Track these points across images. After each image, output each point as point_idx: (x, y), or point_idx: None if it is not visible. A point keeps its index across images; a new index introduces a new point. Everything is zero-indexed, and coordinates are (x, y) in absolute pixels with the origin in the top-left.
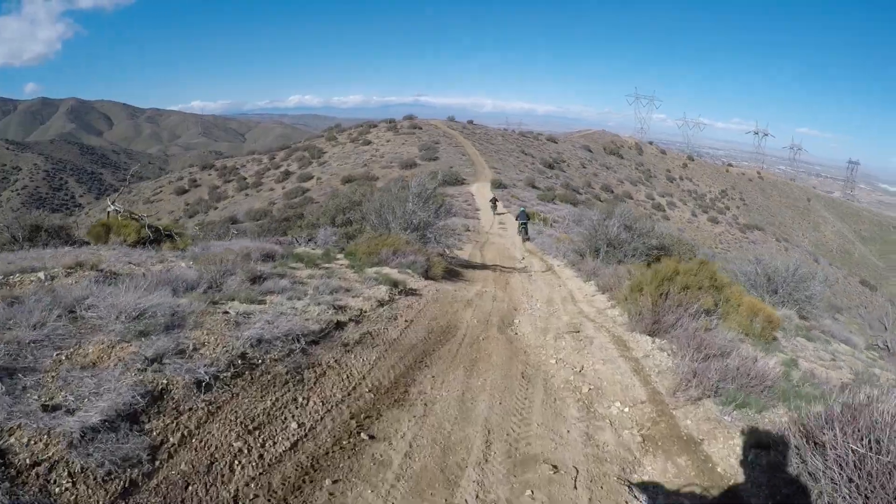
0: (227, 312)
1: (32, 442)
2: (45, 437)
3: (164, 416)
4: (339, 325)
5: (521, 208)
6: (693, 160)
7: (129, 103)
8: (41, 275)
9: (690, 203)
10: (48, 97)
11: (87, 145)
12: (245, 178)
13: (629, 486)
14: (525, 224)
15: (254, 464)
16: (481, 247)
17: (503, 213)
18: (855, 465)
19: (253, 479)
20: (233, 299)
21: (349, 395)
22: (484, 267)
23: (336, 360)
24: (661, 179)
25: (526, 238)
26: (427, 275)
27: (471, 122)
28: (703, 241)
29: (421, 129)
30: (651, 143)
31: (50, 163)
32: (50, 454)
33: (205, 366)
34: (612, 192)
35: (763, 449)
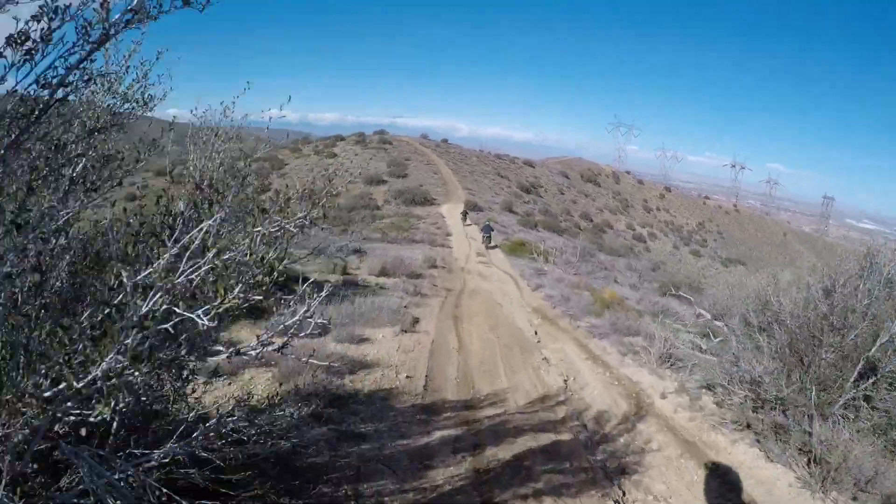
0: None
1: None
2: None
3: None
4: None
5: (487, 222)
6: (670, 191)
7: None
8: None
9: (671, 235)
10: None
11: None
12: None
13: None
14: (489, 235)
15: None
16: (455, 303)
17: (469, 225)
18: None
19: None
20: None
21: None
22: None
23: None
24: (638, 209)
25: (491, 246)
26: None
27: (445, 140)
28: (688, 275)
29: (391, 144)
30: (628, 172)
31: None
32: None
33: None
34: (592, 220)
35: None
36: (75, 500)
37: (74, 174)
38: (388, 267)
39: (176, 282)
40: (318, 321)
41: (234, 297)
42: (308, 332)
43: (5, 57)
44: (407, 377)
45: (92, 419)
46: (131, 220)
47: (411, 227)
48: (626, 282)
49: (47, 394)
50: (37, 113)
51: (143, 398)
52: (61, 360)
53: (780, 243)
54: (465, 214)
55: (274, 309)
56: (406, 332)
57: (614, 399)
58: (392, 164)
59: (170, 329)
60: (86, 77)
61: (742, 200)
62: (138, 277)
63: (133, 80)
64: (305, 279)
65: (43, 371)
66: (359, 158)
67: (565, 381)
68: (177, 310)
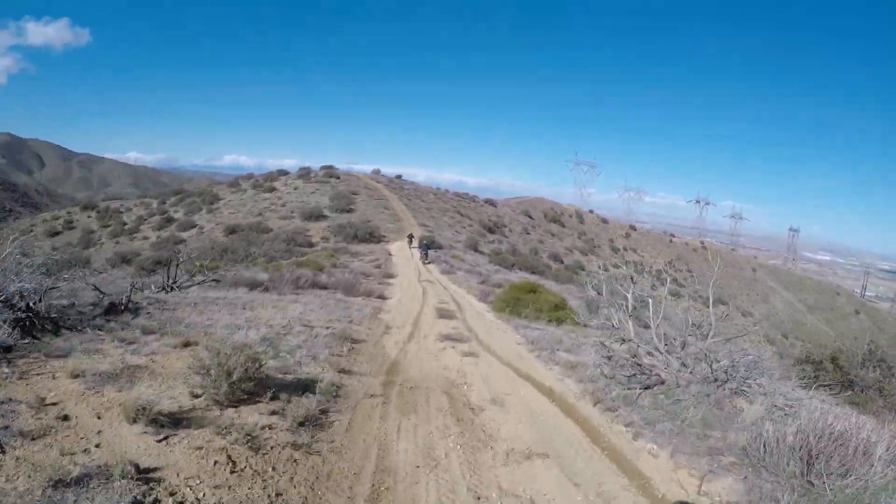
0: None
1: None
2: None
3: None
4: None
5: (424, 241)
6: (635, 230)
7: (64, 146)
8: None
9: (647, 275)
10: None
11: (9, 181)
12: (125, 223)
13: None
14: (426, 252)
15: None
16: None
17: (415, 248)
18: None
19: None
20: None
21: None
22: None
23: None
24: (605, 249)
25: (427, 262)
26: None
27: (399, 177)
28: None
29: (339, 178)
30: (591, 211)
31: None
32: None
33: None
34: (562, 261)
35: None
36: None
37: None
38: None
39: None
40: None
41: None
42: None
43: None
44: None
45: None
46: None
47: (337, 266)
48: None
49: None
50: None
51: None
52: None
53: (751, 279)
54: (410, 238)
55: None
56: None
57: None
58: (336, 199)
59: None
60: None
61: (704, 237)
62: None
63: None
64: None
65: None
66: (298, 192)
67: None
68: None
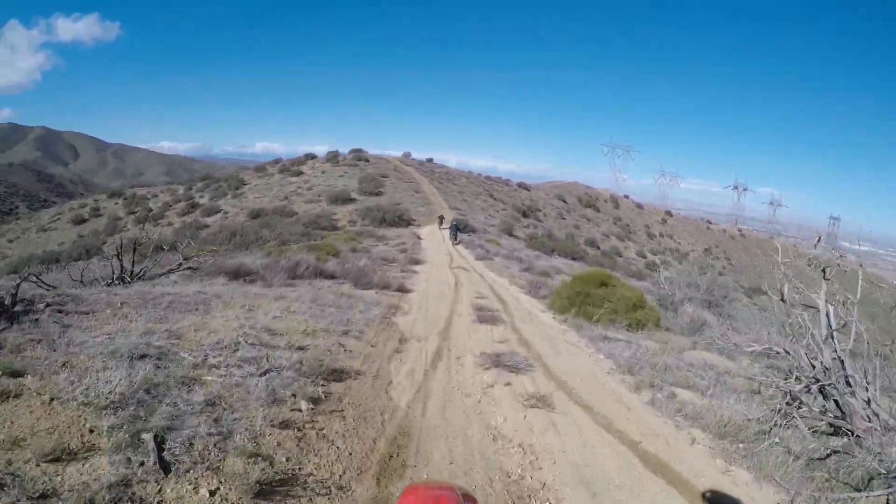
0: None
1: None
2: None
3: None
4: None
5: (454, 222)
6: (672, 215)
7: (98, 137)
8: None
9: (685, 263)
10: (19, 123)
11: (45, 173)
12: (151, 210)
13: None
14: (455, 233)
15: None
16: None
17: (445, 229)
18: None
19: None
20: None
21: None
22: None
23: None
24: (640, 235)
25: (456, 243)
26: None
27: (430, 160)
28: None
29: (367, 161)
30: (627, 196)
31: (3, 186)
32: None
33: None
34: (599, 247)
35: None
36: None
37: None
38: None
39: None
40: None
41: None
42: None
43: None
44: None
45: None
46: None
47: (357, 250)
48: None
49: None
50: None
51: None
52: None
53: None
54: (441, 220)
55: None
56: None
57: None
58: (364, 182)
59: None
60: None
61: (741, 223)
62: None
63: None
64: None
65: None
66: (326, 175)
67: None
68: None
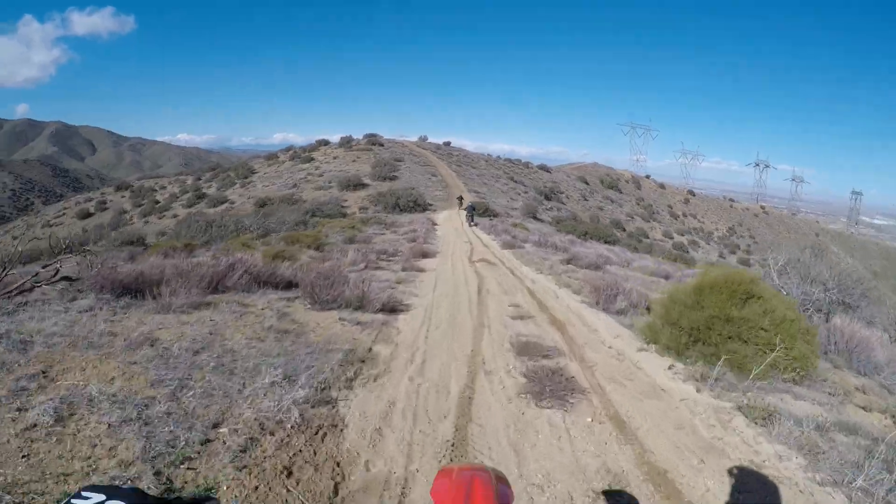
0: None
1: None
2: None
3: None
4: None
5: (470, 203)
6: (694, 195)
7: (115, 131)
8: None
9: (714, 243)
10: (35, 119)
11: (61, 168)
12: (157, 202)
13: None
14: (472, 214)
15: None
16: None
17: (475, 225)
18: None
19: None
20: None
21: None
22: None
23: None
24: (664, 215)
25: (472, 224)
26: None
27: (447, 143)
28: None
29: (382, 146)
30: (648, 176)
31: (19, 182)
32: None
33: None
34: (625, 228)
35: None
36: None
37: None
38: None
39: None
40: None
41: None
42: None
43: None
44: None
45: None
46: None
47: (355, 240)
48: None
49: None
50: None
51: None
52: None
53: (815, 245)
54: (461, 201)
55: None
56: None
57: None
58: (378, 166)
59: None
60: None
61: (763, 201)
62: None
63: None
64: None
65: None
66: (338, 161)
67: None
68: None
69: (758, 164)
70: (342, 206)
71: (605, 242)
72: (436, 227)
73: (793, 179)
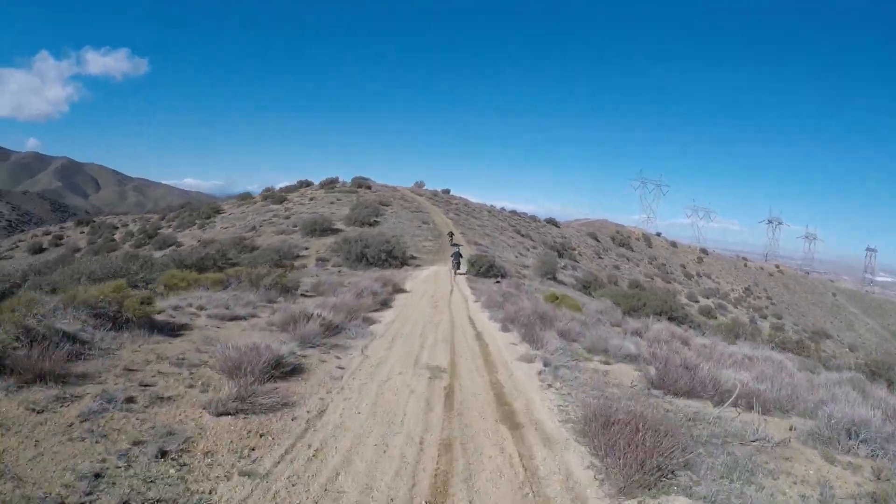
0: None
1: None
2: None
3: None
4: None
5: (456, 250)
6: (707, 254)
7: (120, 170)
8: None
9: (741, 306)
10: (43, 153)
11: (60, 203)
12: (113, 239)
13: None
14: (458, 261)
15: None
16: None
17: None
18: None
19: None
20: None
21: None
22: None
23: None
24: (677, 275)
25: (458, 272)
26: None
27: (447, 190)
28: None
29: (370, 188)
30: (659, 234)
31: (16, 214)
32: None
33: None
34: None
35: None
36: None
37: None
38: None
39: None
40: None
41: None
42: None
43: None
44: None
45: None
46: None
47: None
48: None
49: None
50: None
51: None
52: None
53: (832, 305)
54: (451, 235)
55: None
56: None
57: None
58: (357, 209)
59: None
60: None
61: (772, 260)
62: None
63: None
64: None
65: None
66: (314, 203)
67: None
68: None
69: (770, 221)
70: (299, 255)
71: (670, 319)
72: (407, 294)
73: (805, 237)
